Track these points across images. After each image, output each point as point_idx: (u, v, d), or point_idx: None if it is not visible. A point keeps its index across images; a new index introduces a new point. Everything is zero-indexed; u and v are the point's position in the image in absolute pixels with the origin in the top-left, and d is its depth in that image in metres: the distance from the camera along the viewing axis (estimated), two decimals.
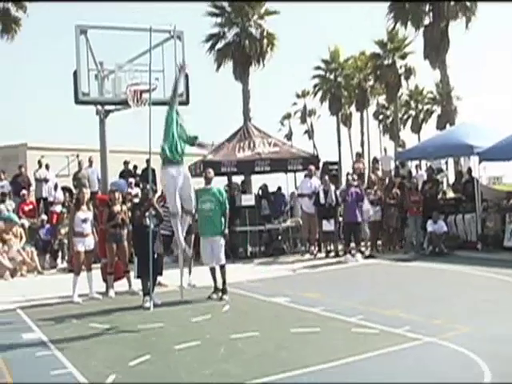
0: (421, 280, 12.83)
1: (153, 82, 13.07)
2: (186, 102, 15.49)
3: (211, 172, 11.84)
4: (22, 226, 16.96)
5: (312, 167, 18.22)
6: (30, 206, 18.98)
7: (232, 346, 7.87)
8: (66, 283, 11.93)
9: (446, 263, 14.44)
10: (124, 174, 20.84)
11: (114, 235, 12.23)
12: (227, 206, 11.56)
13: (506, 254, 15.06)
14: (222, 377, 6.57)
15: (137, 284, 11.49)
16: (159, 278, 11.58)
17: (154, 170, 11.83)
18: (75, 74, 15.20)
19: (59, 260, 16.80)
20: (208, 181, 11.65)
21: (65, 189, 19.87)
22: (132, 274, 11.73)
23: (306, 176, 18.40)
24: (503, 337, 7.65)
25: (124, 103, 15.23)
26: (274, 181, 20.96)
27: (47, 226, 17.44)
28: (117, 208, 12.33)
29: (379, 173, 21.01)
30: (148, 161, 14.82)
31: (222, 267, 11.39)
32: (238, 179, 21.28)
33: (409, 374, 6.50)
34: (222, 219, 11.37)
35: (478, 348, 7.03)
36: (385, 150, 27.44)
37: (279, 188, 19.99)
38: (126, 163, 22.04)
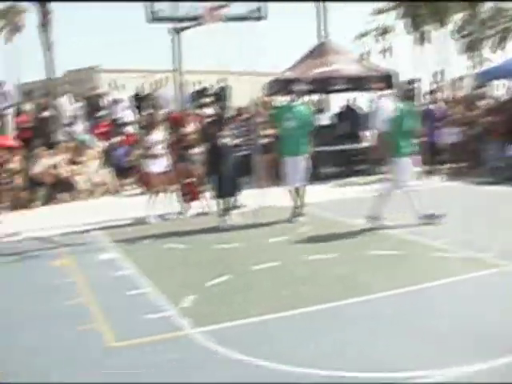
0: (508, 204, 12.17)
1: None
2: (263, 17, 14.87)
3: (301, 86, 11.11)
4: (98, 147, 16.99)
5: (386, 86, 17.47)
6: (105, 128, 19.04)
7: (310, 267, 7.66)
8: (143, 205, 11.89)
9: None
10: (197, 94, 20.65)
11: (184, 156, 12.07)
12: (312, 125, 10.89)
13: None
14: (298, 298, 6.38)
15: (214, 204, 11.36)
16: (237, 198, 11.39)
17: (226, 88, 11.49)
18: None
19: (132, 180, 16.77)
20: (296, 97, 10.89)
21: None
22: (208, 194, 11.59)
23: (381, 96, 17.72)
24: None
25: (198, 19, 14.80)
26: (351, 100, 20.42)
27: (122, 147, 17.40)
28: (188, 129, 12.13)
29: (463, 91, 20.04)
30: (223, 80, 14.49)
31: (302, 188, 11.04)
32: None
33: (483, 300, 6.08)
34: (307, 139, 10.80)
35: None
36: (472, 67, 26.23)
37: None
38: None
